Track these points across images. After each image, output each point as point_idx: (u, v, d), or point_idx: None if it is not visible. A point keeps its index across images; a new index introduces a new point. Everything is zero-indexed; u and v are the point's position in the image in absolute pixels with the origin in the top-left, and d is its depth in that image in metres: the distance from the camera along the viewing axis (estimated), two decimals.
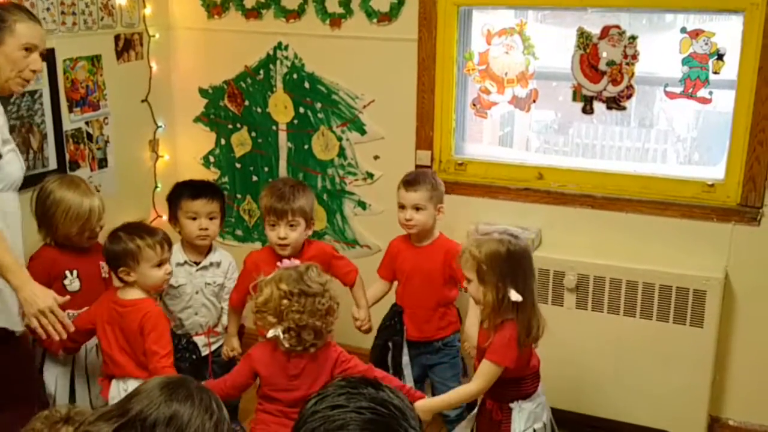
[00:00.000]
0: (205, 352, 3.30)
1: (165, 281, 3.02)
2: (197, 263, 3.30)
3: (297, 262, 2.79)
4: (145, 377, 2.86)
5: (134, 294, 2.95)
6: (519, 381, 2.75)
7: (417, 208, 3.17)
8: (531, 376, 2.79)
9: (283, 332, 2.62)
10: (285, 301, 2.61)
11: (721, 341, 3.29)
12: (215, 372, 3.25)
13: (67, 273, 3.11)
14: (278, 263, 2.79)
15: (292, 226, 3.09)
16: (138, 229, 2.98)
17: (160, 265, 2.95)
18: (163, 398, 1.48)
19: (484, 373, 2.68)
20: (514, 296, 2.62)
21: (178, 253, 3.27)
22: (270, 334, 2.64)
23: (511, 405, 2.75)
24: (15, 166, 2.72)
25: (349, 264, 3.31)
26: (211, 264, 3.32)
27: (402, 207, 3.21)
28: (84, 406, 1.83)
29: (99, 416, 1.51)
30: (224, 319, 3.36)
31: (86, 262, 3.12)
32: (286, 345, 2.63)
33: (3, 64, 2.66)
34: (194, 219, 3.25)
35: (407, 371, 3.28)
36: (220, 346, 3.35)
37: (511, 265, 2.64)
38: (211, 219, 3.27)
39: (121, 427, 1.46)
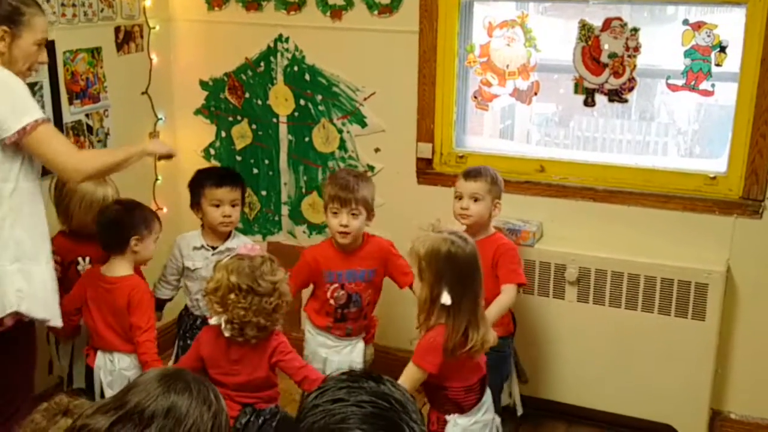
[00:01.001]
0: None
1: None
2: (214, 248, 3.34)
3: (257, 248, 2.83)
4: (130, 351, 3.02)
5: (121, 270, 3.03)
6: (446, 390, 2.63)
7: (474, 199, 3.12)
8: (464, 389, 2.65)
9: (226, 322, 2.67)
10: (232, 295, 2.65)
11: (723, 334, 3.29)
12: None
13: (80, 259, 3.22)
14: (242, 247, 2.85)
15: (354, 214, 3.13)
16: (139, 202, 3.15)
17: (155, 241, 3.10)
18: (160, 390, 1.48)
19: (406, 375, 2.58)
20: (444, 298, 2.52)
21: (196, 238, 3.36)
22: (213, 321, 2.72)
23: (448, 417, 2.64)
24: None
25: (408, 266, 3.23)
26: (228, 249, 3.31)
27: (459, 197, 3.17)
28: (83, 399, 1.83)
29: (97, 409, 1.50)
30: None
31: (98, 247, 3.14)
32: (227, 334, 2.69)
33: (18, 58, 2.66)
34: (218, 206, 3.29)
35: None
36: None
37: (448, 266, 2.55)
38: (233, 206, 3.33)
39: (119, 419, 1.45)
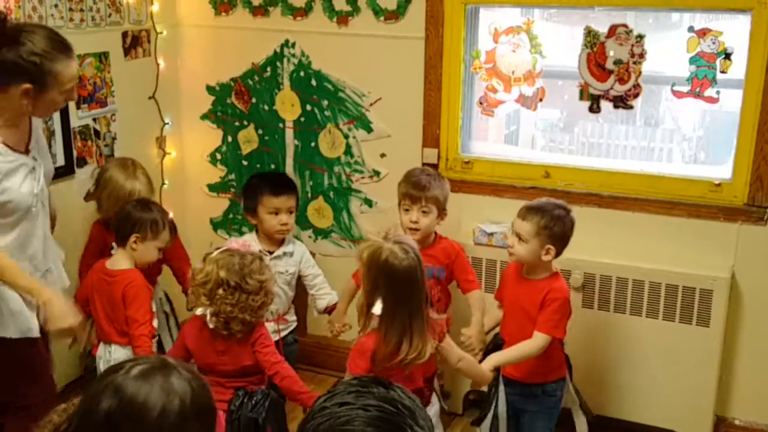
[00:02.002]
0: (275, 338, 3.33)
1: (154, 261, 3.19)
2: (270, 253, 3.37)
3: (250, 245, 2.88)
4: (125, 344, 3.08)
5: (122, 264, 3.10)
6: None
7: (519, 237, 2.91)
8: None
9: (212, 315, 2.73)
10: (220, 291, 2.70)
11: (727, 341, 3.29)
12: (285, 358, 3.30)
13: (114, 245, 3.27)
14: (233, 241, 2.90)
15: (424, 212, 3.16)
16: (162, 209, 3.20)
17: (161, 249, 3.16)
18: (98, 389, 1.48)
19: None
20: (375, 308, 2.51)
21: (253, 243, 3.35)
22: (198, 311, 2.77)
23: None
24: (23, 200, 2.63)
25: (473, 274, 3.31)
26: (284, 254, 3.40)
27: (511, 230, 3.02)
28: None
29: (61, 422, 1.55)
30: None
31: None
32: (211, 326, 2.74)
33: (39, 108, 2.57)
34: (276, 214, 3.33)
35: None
36: (290, 333, 3.48)
37: (384, 275, 2.51)
38: (290, 213, 3.38)
39: None
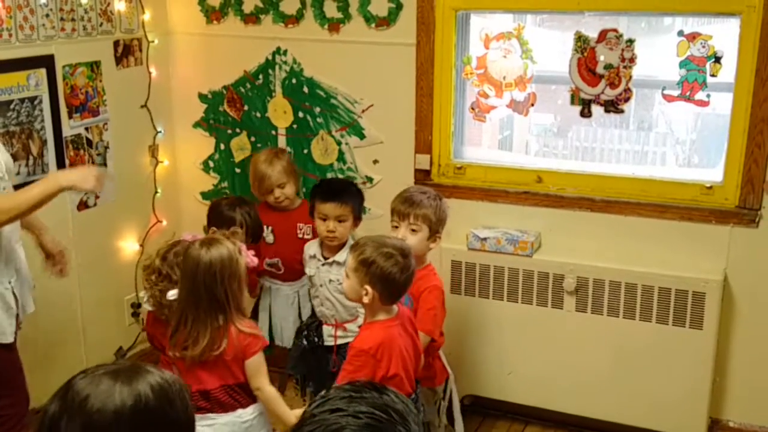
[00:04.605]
0: (329, 342, 3.32)
1: None
2: (326, 258, 3.32)
3: (197, 237, 2.89)
4: None
5: None
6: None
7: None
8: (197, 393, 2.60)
9: (149, 297, 2.84)
10: (153, 276, 2.82)
11: (720, 343, 3.30)
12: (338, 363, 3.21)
13: (266, 227, 3.56)
14: (187, 234, 2.93)
15: (413, 230, 3.01)
16: (251, 213, 3.36)
17: None
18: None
19: None
20: (170, 293, 2.65)
21: (314, 246, 3.39)
22: (141, 293, 2.93)
23: None
24: None
25: (430, 321, 2.97)
26: (335, 262, 3.30)
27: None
28: None
29: None
30: None
31: (282, 220, 3.59)
32: (148, 307, 2.86)
33: None
34: (324, 220, 3.28)
35: None
36: (347, 343, 3.31)
37: (183, 265, 2.62)
38: (340, 221, 3.26)
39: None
